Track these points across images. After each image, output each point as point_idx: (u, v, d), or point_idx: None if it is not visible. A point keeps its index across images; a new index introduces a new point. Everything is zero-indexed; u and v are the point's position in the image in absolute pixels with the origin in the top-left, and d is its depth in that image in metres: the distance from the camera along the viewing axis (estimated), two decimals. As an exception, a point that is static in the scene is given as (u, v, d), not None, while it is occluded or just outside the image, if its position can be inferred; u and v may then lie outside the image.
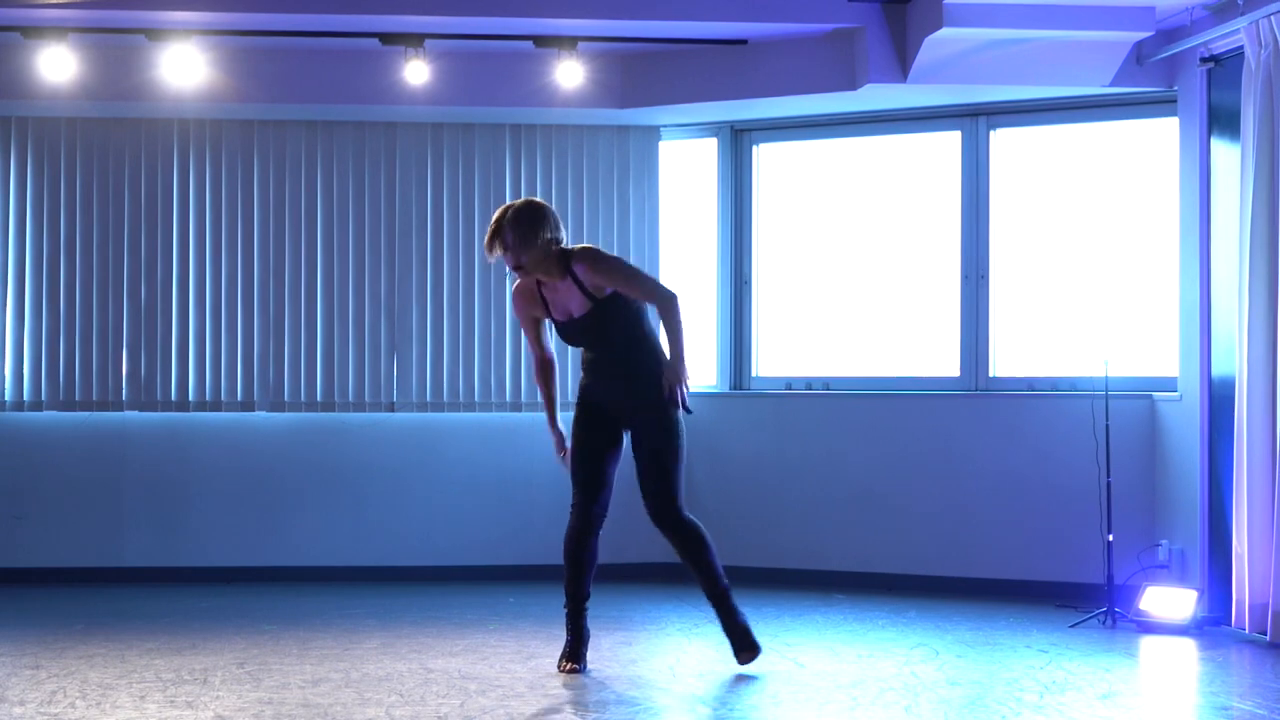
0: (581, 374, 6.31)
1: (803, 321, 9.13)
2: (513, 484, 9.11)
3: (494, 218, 6.06)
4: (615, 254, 6.37)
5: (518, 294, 6.23)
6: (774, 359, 9.18)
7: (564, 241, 6.13)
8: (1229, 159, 7.40)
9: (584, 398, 6.26)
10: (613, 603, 7.83)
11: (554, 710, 5.34)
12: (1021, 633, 7.17)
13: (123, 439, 9.04)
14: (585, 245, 6.18)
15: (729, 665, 6.25)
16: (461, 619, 7.52)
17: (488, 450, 9.13)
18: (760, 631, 7.12)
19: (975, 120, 8.70)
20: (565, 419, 6.36)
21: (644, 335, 6.20)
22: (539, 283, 6.13)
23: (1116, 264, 8.41)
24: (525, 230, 5.99)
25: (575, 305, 6.12)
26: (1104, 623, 7.41)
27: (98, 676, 5.95)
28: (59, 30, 7.91)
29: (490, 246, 6.07)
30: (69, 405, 8.99)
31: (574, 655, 6.16)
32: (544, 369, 6.40)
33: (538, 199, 6.24)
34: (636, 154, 9.23)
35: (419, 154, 9.17)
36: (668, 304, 6.03)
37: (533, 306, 6.22)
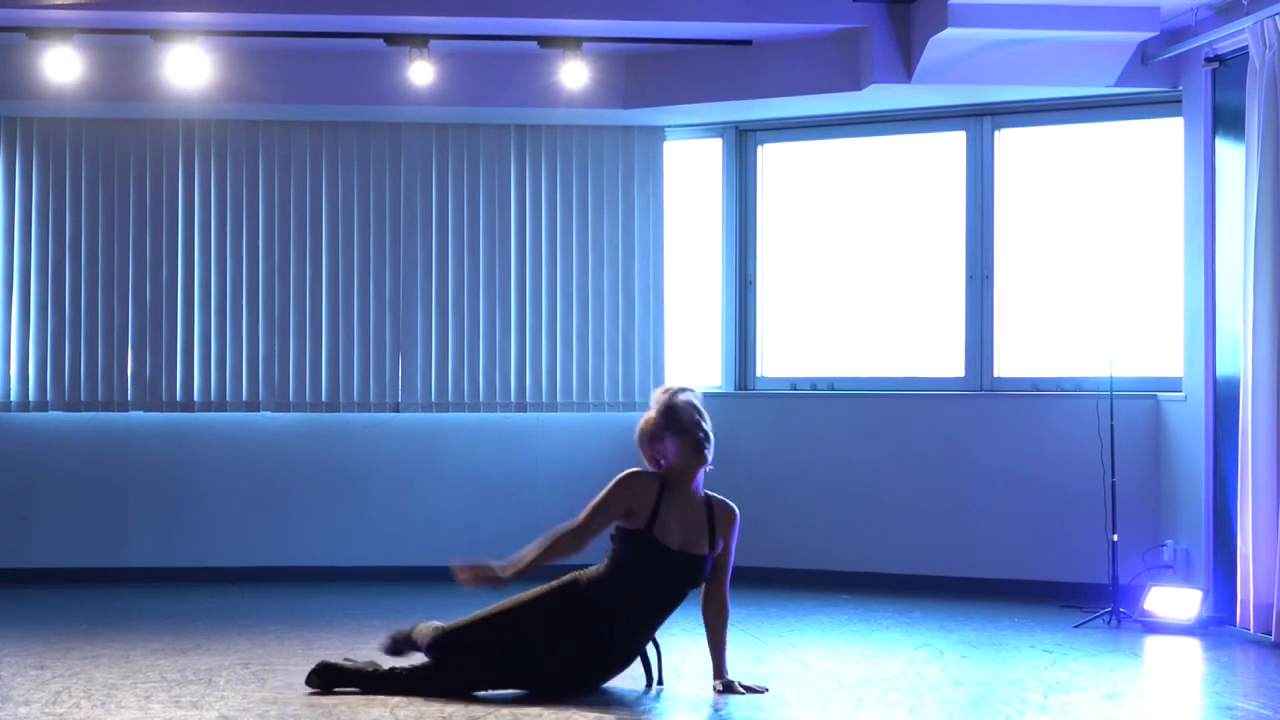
0: (611, 598, 5.60)
1: (807, 322, 9.13)
2: (517, 484, 9.10)
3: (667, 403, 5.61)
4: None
5: (634, 479, 5.61)
6: (779, 359, 9.18)
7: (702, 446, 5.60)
8: (1234, 159, 7.39)
9: (595, 606, 5.60)
10: (617, 603, 7.82)
11: (558, 709, 5.34)
12: (1026, 633, 7.16)
13: (128, 439, 9.04)
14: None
15: (734, 666, 6.24)
16: (466, 619, 7.50)
17: (492, 450, 9.13)
18: (764, 631, 7.13)
19: (980, 120, 8.69)
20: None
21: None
22: (662, 485, 5.61)
23: (1121, 264, 8.41)
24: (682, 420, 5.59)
25: (695, 537, 5.63)
26: (1109, 623, 7.41)
27: (102, 677, 5.95)
28: (64, 31, 7.91)
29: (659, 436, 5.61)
30: (74, 406, 9.00)
31: None
32: (562, 550, 5.65)
33: (676, 399, 5.65)
34: (641, 154, 9.23)
35: (424, 154, 9.17)
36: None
37: (636, 499, 5.58)
